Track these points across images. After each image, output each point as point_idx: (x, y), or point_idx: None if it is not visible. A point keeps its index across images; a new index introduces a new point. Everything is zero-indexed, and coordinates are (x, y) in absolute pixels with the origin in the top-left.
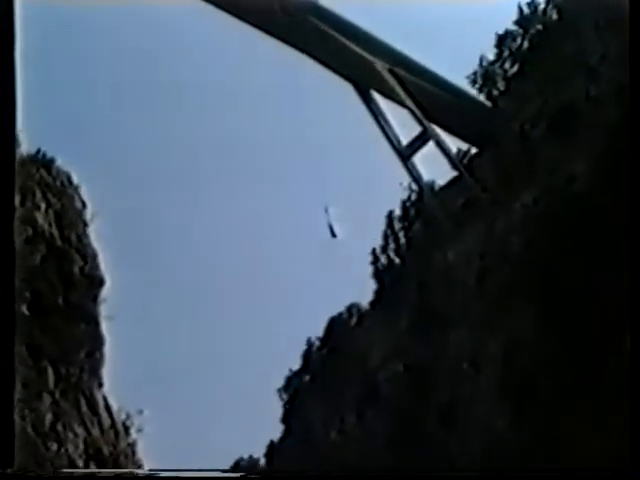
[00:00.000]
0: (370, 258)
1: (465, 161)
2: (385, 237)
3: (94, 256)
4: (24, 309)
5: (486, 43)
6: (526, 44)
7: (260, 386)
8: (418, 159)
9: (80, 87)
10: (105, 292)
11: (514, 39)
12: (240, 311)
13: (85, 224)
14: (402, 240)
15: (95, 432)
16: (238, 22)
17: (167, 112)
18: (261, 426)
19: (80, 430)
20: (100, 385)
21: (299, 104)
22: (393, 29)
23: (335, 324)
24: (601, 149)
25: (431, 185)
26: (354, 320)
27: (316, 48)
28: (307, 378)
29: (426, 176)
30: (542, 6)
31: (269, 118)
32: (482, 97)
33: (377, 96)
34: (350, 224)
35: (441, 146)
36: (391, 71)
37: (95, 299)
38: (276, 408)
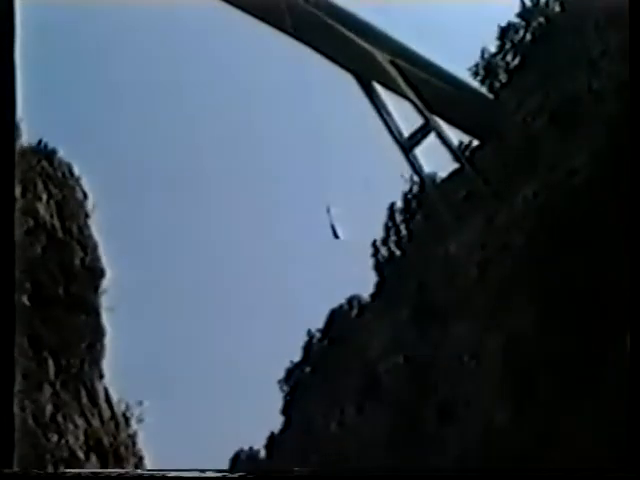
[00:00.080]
0: (371, 250)
1: (467, 153)
2: (386, 229)
3: (95, 247)
4: (25, 300)
5: (488, 35)
6: (528, 36)
7: (260, 377)
8: (420, 151)
9: (83, 79)
10: (106, 283)
11: (516, 31)
12: (241, 302)
13: (86, 215)
14: (403, 232)
15: (95, 423)
16: (237, 16)
17: (168, 109)
18: (261, 417)
19: (80, 421)
20: (101, 376)
21: (299, 95)
22: (394, 21)
23: (336, 316)
24: (603, 142)
25: (433, 177)
26: (355, 312)
27: (316, 38)
28: (308, 370)
29: (427, 168)
30: None
31: (271, 109)
32: (484, 89)
33: (379, 88)
34: (351, 216)
35: (443, 138)
36: (392, 62)
37: (96, 290)
38: (276, 400)
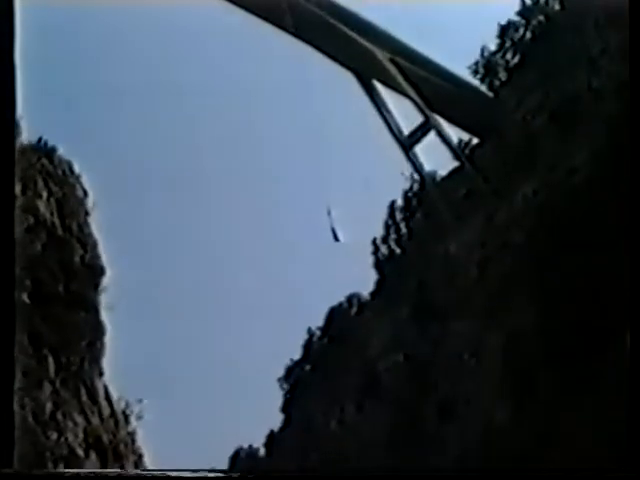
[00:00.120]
0: (371, 248)
1: (467, 151)
2: (386, 227)
3: (95, 245)
4: (25, 297)
5: (488, 33)
6: (528, 35)
7: (260, 375)
8: (420, 149)
9: (83, 79)
10: (106, 281)
11: (516, 30)
12: (240, 300)
13: (86, 213)
14: (403, 230)
15: (95, 421)
16: (236, 17)
17: (168, 108)
18: (261, 415)
19: (80, 419)
20: (100, 374)
21: (299, 94)
22: (394, 20)
23: (335, 314)
24: (603, 141)
25: (433, 175)
26: (355, 310)
27: (317, 37)
28: (308, 368)
29: (428, 166)
30: None
31: (272, 108)
32: (484, 88)
33: (379, 86)
34: (351, 214)
35: (443, 136)
36: (393, 61)
37: (96, 288)
38: (276, 397)
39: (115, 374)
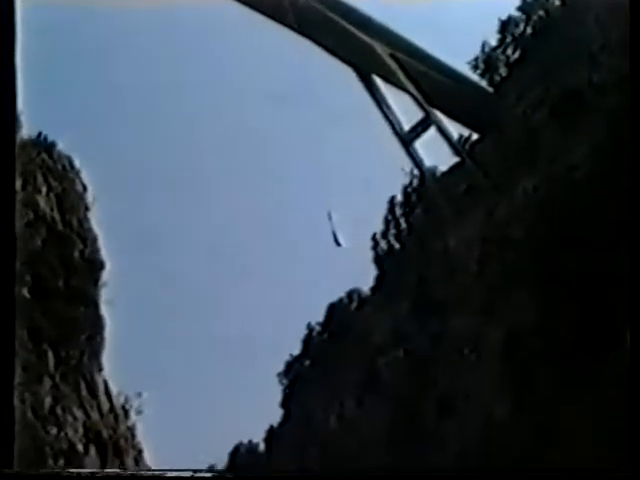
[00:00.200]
0: (371, 244)
1: (467, 147)
2: (386, 222)
3: (95, 240)
4: (25, 292)
5: (488, 29)
6: (529, 30)
7: (260, 370)
8: (420, 144)
9: (83, 78)
10: (106, 276)
11: (517, 25)
12: (240, 296)
13: (86, 208)
14: (403, 225)
15: (95, 415)
16: (236, 16)
17: (168, 107)
18: (261, 411)
19: (80, 413)
20: (100, 369)
21: (299, 90)
22: (394, 14)
23: (335, 309)
24: (603, 136)
25: (433, 171)
26: (354, 305)
27: (317, 32)
28: (307, 363)
29: (428, 161)
30: None
31: (271, 105)
32: (484, 83)
33: (379, 81)
34: (350, 212)
35: (443, 132)
36: (392, 56)
37: (96, 283)
38: (276, 393)
39: (115, 368)
